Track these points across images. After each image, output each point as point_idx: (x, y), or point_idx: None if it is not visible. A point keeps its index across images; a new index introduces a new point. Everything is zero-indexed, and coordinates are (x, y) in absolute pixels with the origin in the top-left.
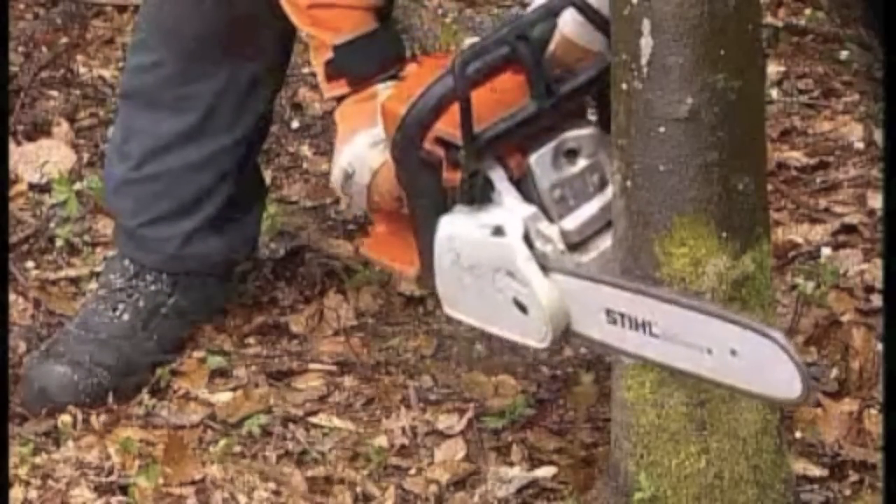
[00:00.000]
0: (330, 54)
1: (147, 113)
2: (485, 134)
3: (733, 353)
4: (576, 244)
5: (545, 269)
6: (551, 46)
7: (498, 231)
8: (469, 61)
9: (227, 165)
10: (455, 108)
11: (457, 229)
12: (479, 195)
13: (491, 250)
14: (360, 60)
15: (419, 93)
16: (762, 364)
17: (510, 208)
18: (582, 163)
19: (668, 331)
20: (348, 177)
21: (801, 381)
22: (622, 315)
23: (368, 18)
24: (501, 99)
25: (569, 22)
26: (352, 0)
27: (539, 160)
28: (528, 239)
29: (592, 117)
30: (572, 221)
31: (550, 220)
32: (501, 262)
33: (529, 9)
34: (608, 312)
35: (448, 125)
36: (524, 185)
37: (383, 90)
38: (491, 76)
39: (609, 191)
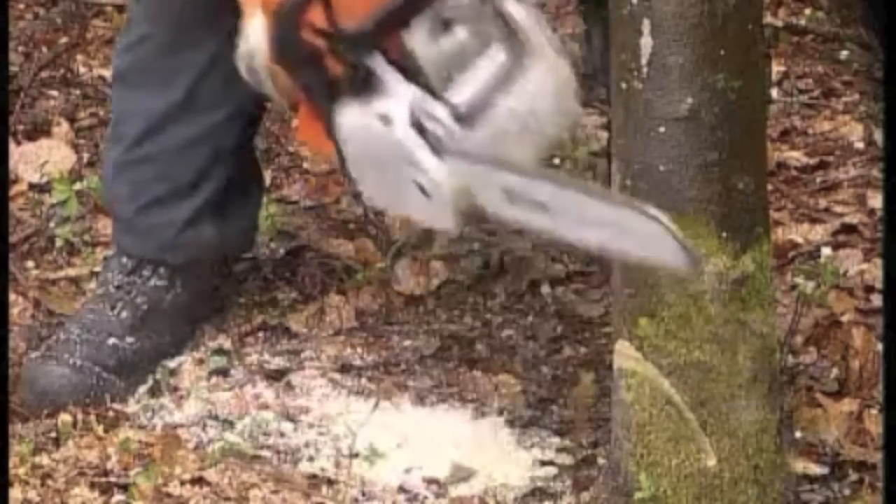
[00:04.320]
0: None
1: (137, 91)
2: (359, 28)
3: (622, 229)
4: (466, 117)
5: (439, 151)
6: None
7: (385, 120)
8: None
9: (221, 143)
10: None
11: (348, 120)
12: (362, 84)
13: (383, 140)
14: None
15: None
16: (649, 240)
17: (394, 94)
18: (461, 32)
19: (560, 209)
20: (251, 67)
21: (684, 255)
22: (519, 195)
23: None
24: None
25: None
26: None
27: (416, 38)
28: (417, 123)
29: None
30: (459, 95)
31: (436, 97)
32: (396, 151)
33: None
34: (507, 192)
35: (320, 17)
36: (405, 65)
37: None
38: None
39: (493, 54)
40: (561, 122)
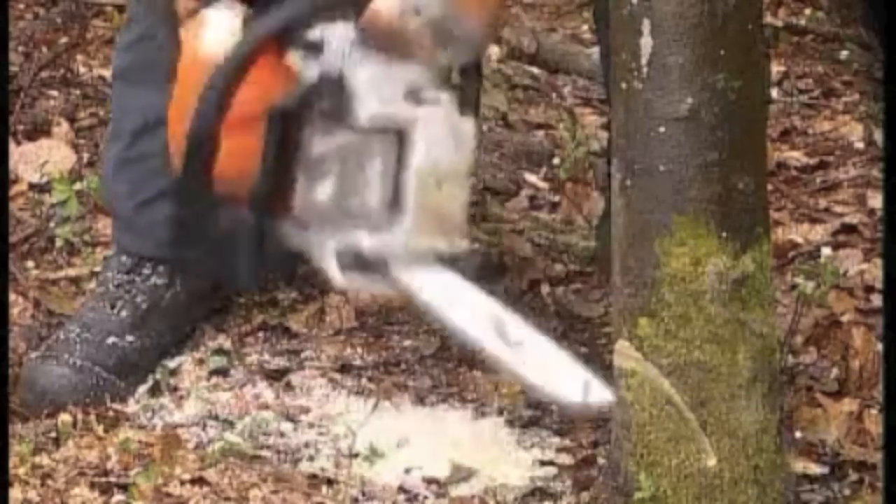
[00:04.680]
0: None
1: (135, 90)
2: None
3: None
4: (386, 218)
5: (382, 272)
6: (362, 21)
7: (329, 278)
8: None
9: None
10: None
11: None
12: (294, 260)
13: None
14: None
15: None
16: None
17: (316, 249)
18: (335, 171)
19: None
20: None
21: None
22: None
23: None
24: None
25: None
26: None
27: (299, 197)
28: (348, 265)
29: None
30: (368, 208)
31: (350, 228)
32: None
33: None
34: None
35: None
36: (308, 219)
37: (213, 18)
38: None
39: (381, 160)
40: (466, 149)
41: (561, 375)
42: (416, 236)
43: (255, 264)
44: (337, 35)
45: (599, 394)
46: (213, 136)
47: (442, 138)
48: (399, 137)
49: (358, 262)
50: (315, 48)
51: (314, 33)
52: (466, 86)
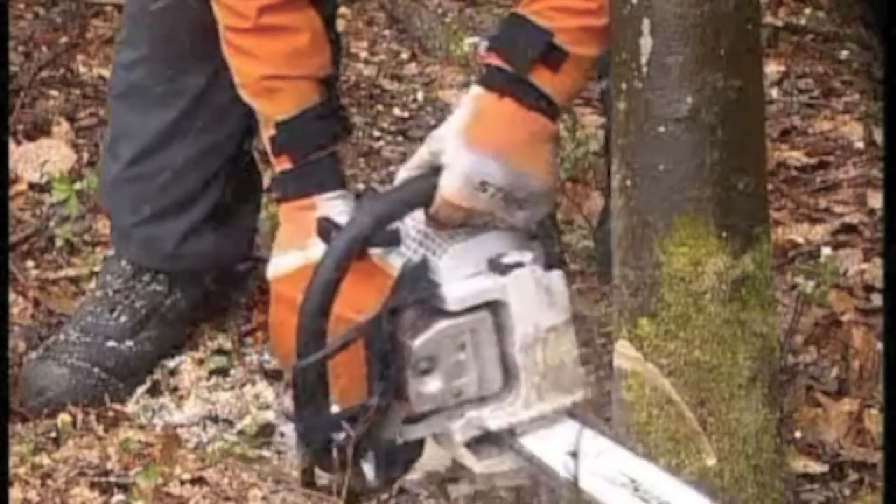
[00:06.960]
0: (273, 131)
1: (134, 112)
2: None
3: None
4: (504, 387)
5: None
6: (432, 209)
7: (444, 444)
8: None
9: (218, 162)
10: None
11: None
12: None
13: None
14: (301, 138)
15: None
16: None
17: (443, 436)
18: (439, 354)
19: None
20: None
21: None
22: None
23: (313, 91)
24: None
25: (445, 186)
26: (300, 71)
27: (414, 391)
28: (471, 442)
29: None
30: (484, 374)
31: (476, 406)
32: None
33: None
34: None
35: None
36: (429, 410)
37: (325, 203)
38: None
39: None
40: (560, 303)
41: None
42: (535, 402)
43: (388, 470)
44: (411, 224)
45: None
46: (323, 361)
47: (534, 299)
48: (493, 310)
49: (486, 440)
50: (393, 241)
51: (390, 227)
52: (546, 240)
